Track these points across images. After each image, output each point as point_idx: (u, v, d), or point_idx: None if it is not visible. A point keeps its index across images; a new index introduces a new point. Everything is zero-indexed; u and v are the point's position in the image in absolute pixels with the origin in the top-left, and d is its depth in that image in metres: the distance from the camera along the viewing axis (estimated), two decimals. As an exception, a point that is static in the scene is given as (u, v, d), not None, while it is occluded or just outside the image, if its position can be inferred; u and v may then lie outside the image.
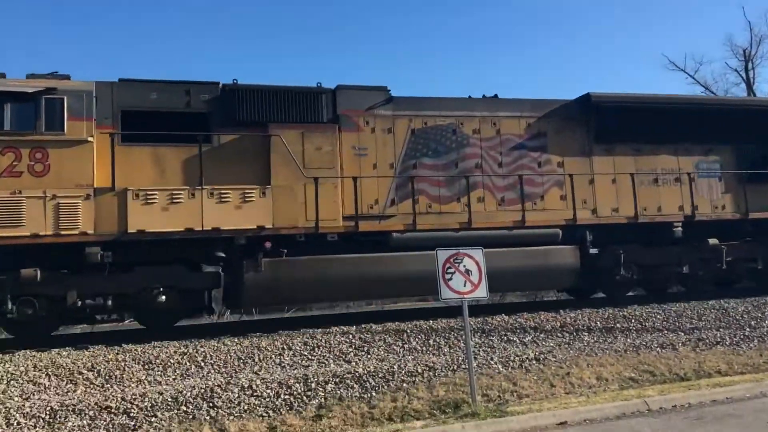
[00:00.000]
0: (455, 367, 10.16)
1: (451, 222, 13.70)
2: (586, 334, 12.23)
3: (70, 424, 8.18)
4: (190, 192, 12.13)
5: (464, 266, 9.07)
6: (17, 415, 8.23)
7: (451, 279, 9.02)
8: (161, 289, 11.97)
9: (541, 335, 12.03)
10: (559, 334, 12.12)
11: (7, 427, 8.03)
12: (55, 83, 11.79)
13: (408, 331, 11.87)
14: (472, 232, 13.63)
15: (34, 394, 9.04)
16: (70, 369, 9.77)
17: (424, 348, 11.19)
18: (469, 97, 14.84)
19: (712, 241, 15.50)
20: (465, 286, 9.04)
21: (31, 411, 8.35)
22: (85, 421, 8.24)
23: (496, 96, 15.03)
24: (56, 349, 10.75)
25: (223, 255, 12.41)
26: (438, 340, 11.50)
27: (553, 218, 14.45)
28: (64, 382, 9.44)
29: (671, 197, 15.45)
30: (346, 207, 13.19)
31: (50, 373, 9.64)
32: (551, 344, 11.58)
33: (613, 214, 14.95)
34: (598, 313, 13.32)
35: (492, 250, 12.99)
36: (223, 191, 12.30)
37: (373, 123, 13.85)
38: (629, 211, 14.98)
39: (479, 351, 10.97)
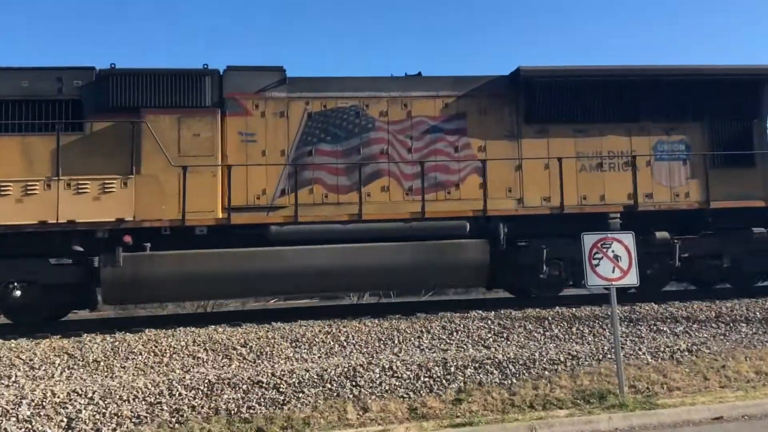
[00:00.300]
0: (600, 356, 9.83)
1: (344, 214, 12.51)
2: (743, 325, 11.43)
3: (225, 396, 8.71)
4: (46, 183, 11.54)
5: (613, 251, 8.72)
6: (179, 386, 8.86)
7: (598, 265, 8.70)
8: (16, 284, 11.52)
9: (694, 325, 11.38)
10: (713, 325, 11.41)
11: (170, 397, 8.66)
12: None
13: (549, 318, 11.61)
14: (362, 225, 12.43)
15: (193, 367, 9.70)
16: (225, 344, 10.40)
17: (566, 336, 10.91)
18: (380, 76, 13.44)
19: (661, 234, 13.18)
20: (614, 272, 8.69)
21: (191, 383, 8.96)
22: (239, 394, 8.75)
23: (419, 74, 13.53)
24: (213, 326, 11.45)
25: (81, 249, 11.73)
26: (581, 329, 11.16)
27: (463, 209, 12.83)
28: (220, 357, 10.05)
29: (619, 184, 13.34)
30: (231, 197, 12.24)
31: (207, 348, 10.30)
32: (705, 335, 10.93)
33: (544, 203, 13.12)
34: (758, 304, 12.38)
35: (381, 244, 12.29)
36: (81, 182, 11.62)
37: (264, 106, 12.76)
38: (566, 200, 13.01)
39: (626, 340, 10.55)
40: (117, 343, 10.46)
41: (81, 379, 9.33)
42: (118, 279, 11.60)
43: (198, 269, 11.78)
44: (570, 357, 9.76)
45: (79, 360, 9.89)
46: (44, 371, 9.58)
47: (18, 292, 11.58)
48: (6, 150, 11.73)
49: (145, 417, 8.35)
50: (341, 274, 12.15)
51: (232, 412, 8.47)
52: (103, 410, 8.41)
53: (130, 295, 12.25)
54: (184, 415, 8.38)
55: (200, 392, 8.77)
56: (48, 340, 10.74)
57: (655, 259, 13.21)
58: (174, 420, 8.33)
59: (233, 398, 8.68)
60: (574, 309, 12.12)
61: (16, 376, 9.42)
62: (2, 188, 11.51)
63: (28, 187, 11.56)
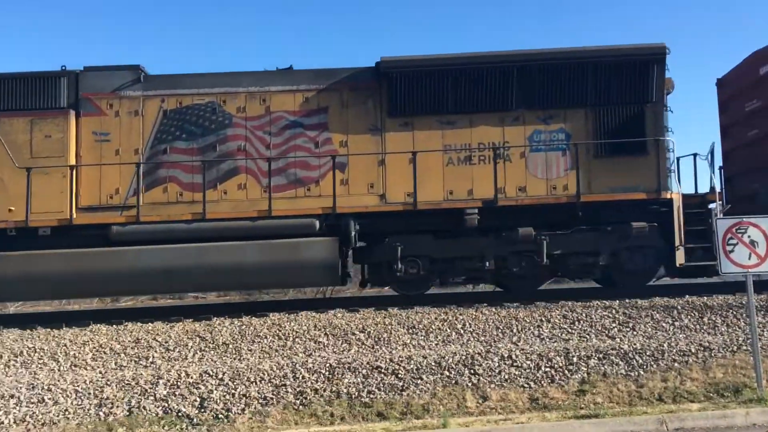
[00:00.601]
0: (734, 347, 9.26)
1: (189, 213, 12.30)
2: None
3: (346, 380, 8.90)
4: None
5: (749, 237, 8.17)
6: (302, 369, 9.13)
7: (732, 251, 8.18)
8: None
9: None
10: None
11: (294, 379, 8.95)
12: None
13: (678, 307, 11.04)
14: (205, 224, 12.14)
15: (315, 351, 9.99)
16: (344, 329, 10.62)
17: (697, 326, 10.34)
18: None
19: (524, 230, 12.26)
20: (750, 259, 8.15)
21: (313, 366, 9.22)
22: (359, 379, 8.92)
23: (290, 68, 13.08)
24: (332, 311, 11.72)
25: None
26: (713, 318, 10.55)
27: (314, 206, 12.38)
28: (340, 342, 10.28)
29: (490, 178, 12.39)
30: (83, 198, 12.31)
31: (328, 333, 10.56)
32: None
33: (408, 199, 12.40)
34: None
35: (223, 244, 11.95)
36: None
37: (119, 106, 12.67)
38: (430, 195, 12.38)
39: (763, 331, 9.87)
40: (244, 327, 10.92)
41: (212, 360, 9.83)
42: None
43: (41, 270, 11.83)
44: (701, 348, 9.25)
45: (209, 343, 10.40)
46: (178, 353, 10.15)
47: None
48: None
49: (272, 398, 8.68)
50: (184, 274, 11.98)
51: (353, 396, 8.66)
52: (233, 391, 8.82)
53: None
54: (308, 398, 8.66)
55: (322, 376, 9.02)
56: (181, 323, 11.37)
57: (523, 258, 12.43)
58: (298, 402, 8.62)
59: (353, 382, 8.86)
60: (705, 298, 11.48)
61: (153, 357, 10.04)
62: None
63: None
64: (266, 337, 10.47)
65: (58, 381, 9.31)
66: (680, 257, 12.06)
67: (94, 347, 10.40)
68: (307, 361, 9.43)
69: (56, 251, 12.00)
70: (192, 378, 9.10)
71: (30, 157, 12.38)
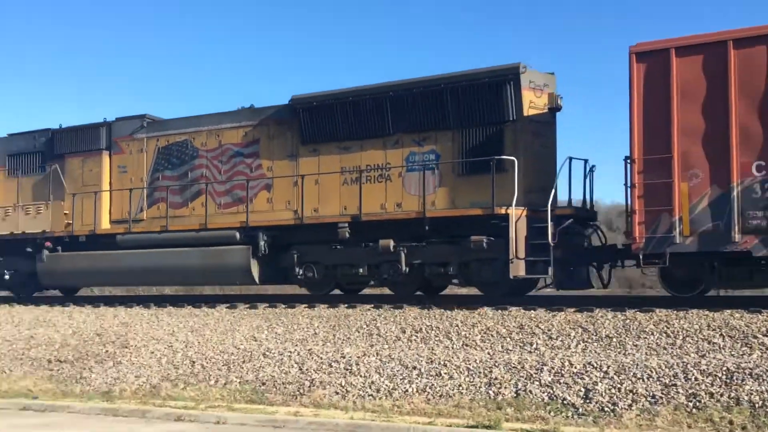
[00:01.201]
0: None
1: (180, 225, 16.12)
2: None
3: (747, 387, 8.11)
4: (11, 208, 18.46)
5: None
6: (694, 371, 8.57)
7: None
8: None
9: None
10: None
11: (685, 380, 8.48)
12: None
13: None
14: (167, 234, 16.06)
15: (708, 353, 9.25)
16: (743, 331, 9.65)
17: None
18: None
19: (384, 242, 13.64)
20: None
21: (707, 369, 8.58)
22: (763, 387, 8.00)
23: (252, 106, 15.95)
24: (729, 310, 10.64)
25: (30, 250, 17.80)
26: None
27: (236, 221, 15.42)
28: (738, 344, 9.36)
29: (374, 195, 14.17)
30: (114, 214, 17.26)
31: (723, 334, 9.69)
32: None
33: (314, 213, 14.78)
34: None
35: (176, 249, 15.76)
36: (25, 206, 18.14)
37: (132, 146, 17.19)
38: (330, 211, 14.60)
39: None
40: (628, 321, 10.61)
41: (595, 352, 9.79)
42: (43, 270, 17.51)
43: (78, 265, 17.03)
44: None
45: (592, 334, 10.34)
46: (561, 342, 10.32)
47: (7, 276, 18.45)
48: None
49: (660, 398, 8.36)
50: (154, 272, 16.22)
51: (757, 405, 7.84)
52: (618, 385, 8.71)
53: (51, 281, 18.13)
54: (702, 401, 8.17)
55: (718, 379, 8.41)
56: (563, 312, 11.47)
57: (388, 267, 13.80)
58: (690, 405, 8.19)
59: (756, 390, 8.03)
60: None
61: (537, 343, 10.37)
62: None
63: (6, 211, 18.56)
64: (652, 334, 10.05)
65: (452, 358, 10.32)
66: (515, 269, 12.51)
67: (482, 329, 11.14)
68: (700, 362, 8.87)
69: (86, 252, 17.08)
70: (576, 368, 9.21)
71: (81, 185, 17.58)
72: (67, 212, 17.47)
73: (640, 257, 11.68)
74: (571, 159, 13.19)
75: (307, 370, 10.98)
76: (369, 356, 10.87)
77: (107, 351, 13.29)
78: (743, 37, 11.26)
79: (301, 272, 14.73)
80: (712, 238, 11.21)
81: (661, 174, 11.56)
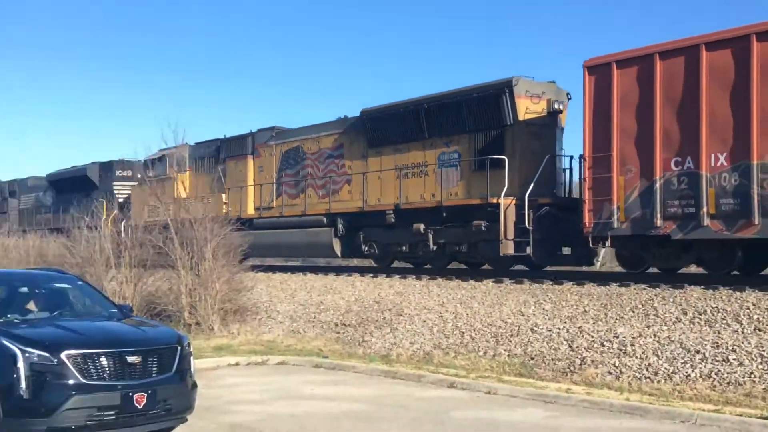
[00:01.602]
0: None
1: (292, 212, 20.64)
2: None
3: None
4: (194, 199, 21.51)
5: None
6: None
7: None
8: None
9: None
10: None
11: None
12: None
13: None
14: (282, 218, 20.82)
15: None
16: None
17: None
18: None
19: (416, 225, 16.96)
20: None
21: None
22: None
23: (345, 117, 19.71)
24: None
25: None
26: None
27: (324, 209, 19.54)
28: None
29: (415, 188, 17.45)
30: (255, 203, 22.10)
31: None
32: None
33: (377, 203, 18.24)
34: None
35: (288, 230, 20.46)
36: (200, 196, 21.73)
37: (266, 151, 21.93)
38: (389, 200, 17.97)
39: None
40: None
41: None
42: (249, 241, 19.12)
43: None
44: None
45: None
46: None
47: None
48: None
49: None
50: (275, 247, 21.31)
51: None
52: None
53: (255, 252, 20.15)
54: None
55: None
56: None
57: (422, 245, 17.12)
58: None
59: None
60: None
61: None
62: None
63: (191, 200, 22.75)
64: None
65: (742, 343, 9.71)
66: (504, 248, 15.16)
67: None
68: None
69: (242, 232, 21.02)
70: None
71: (235, 181, 22.75)
72: (226, 202, 22.77)
73: (590, 239, 13.87)
74: (553, 156, 15.70)
75: (577, 348, 10.89)
76: (645, 337, 10.57)
77: (384, 318, 14.10)
78: (666, 50, 12.96)
79: (366, 249, 18.87)
80: (642, 224, 13.14)
81: (604, 169, 13.60)
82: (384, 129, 18.30)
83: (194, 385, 7.25)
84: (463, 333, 12.59)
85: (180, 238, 16.01)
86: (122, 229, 23.39)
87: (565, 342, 11.26)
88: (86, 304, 8.26)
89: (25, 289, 8.09)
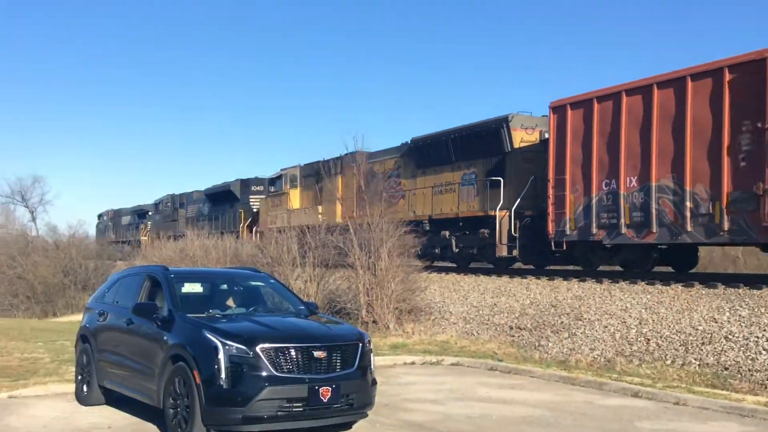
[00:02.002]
0: None
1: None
2: None
3: None
4: (301, 211, 28.71)
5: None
6: None
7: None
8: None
9: None
10: None
11: None
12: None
13: None
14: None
15: None
16: None
17: None
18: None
19: (443, 232, 21.39)
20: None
21: None
22: None
23: (406, 142, 24.23)
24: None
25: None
26: None
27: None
28: None
29: (446, 203, 21.48)
30: (343, 214, 24.88)
31: None
32: None
33: (422, 213, 22.26)
34: None
35: None
36: (303, 209, 28.95)
37: (348, 171, 25.58)
38: (427, 211, 22.19)
39: None
40: None
41: None
42: None
43: None
44: None
45: None
46: None
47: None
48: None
49: None
50: None
51: None
52: None
53: None
54: None
55: None
56: None
57: (448, 249, 21.31)
58: None
59: None
60: None
61: None
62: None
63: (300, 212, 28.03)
64: None
65: None
66: (499, 251, 19.18)
67: None
68: None
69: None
70: None
71: (328, 196, 26.95)
72: (321, 213, 27.21)
73: (552, 243, 17.38)
74: (534, 178, 18.75)
75: (778, 358, 10.09)
76: None
77: (562, 322, 13.84)
78: (600, 95, 16.41)
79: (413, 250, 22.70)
80: (585, 232, 16.63)
81: (561, 188, 17.21)
82: (426, 154, 22.68)
83: (374, 382, 7.51)
84: (649, 340, 12.08)
85: (358, 239, 16.70)
86: (254, 234, 31.63)
87: (764, 351, 10.55)
88: (277, 301, 8.84)
89: (225, 287, 8.80)
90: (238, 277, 9.14)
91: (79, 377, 9.04)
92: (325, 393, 6.80)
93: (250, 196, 36.02)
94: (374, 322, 15.55)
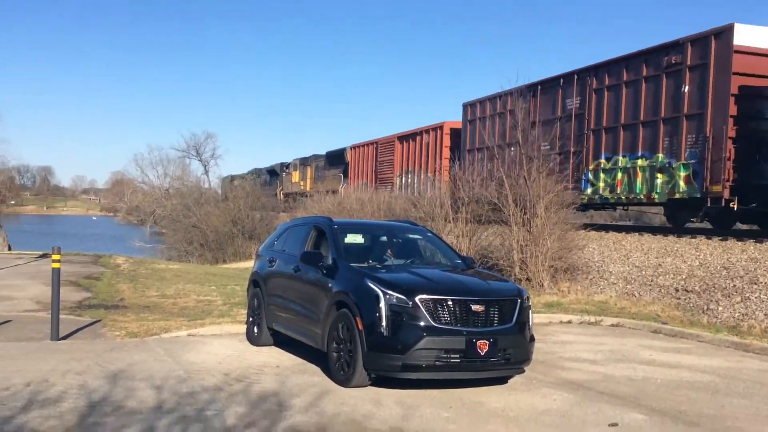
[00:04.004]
0: None
1: None
2: None
3: None
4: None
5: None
6: None
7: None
8: None
9: None
10: None
11: None
12: None
13: None
14: None
15: None
16: None
17: None
18: None
19: None
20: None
21: None
22: None
23: None
24: None
25: None
26: None
27: None
28: None
29: None
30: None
31: None
32: None
33: None
34: None
35: None
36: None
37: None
38: None
39: None
40: None
41: None
42: None
43: None
44: None
45: None
46: None
47: None
48: None
49: None
50: None
51: None
52: None
53: None
54: None
55: None
56: None
57: None
58: None
59: None
60: None
61: None
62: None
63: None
64: None
65: None
66: None
67: None
68: None
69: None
70: None
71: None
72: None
73: None
74: None
75: None
76: None
77: (734, 285, 13.12)
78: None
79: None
80: None
81: None
82: None
83: (532, 338, 7.44)
84: (839, 308, 10.97)
85: (513, 195, 16.44)
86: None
87: None
88: (434, 254, 8.95)
89: (384, 238, 9.02)
90: (397, 230, 9.32)
91: (250, 319, 9.68)
92: (483, 346, 6.83)
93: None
94: (528, 279, 15.32)
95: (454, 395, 6.94)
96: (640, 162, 17.91)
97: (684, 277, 14.20)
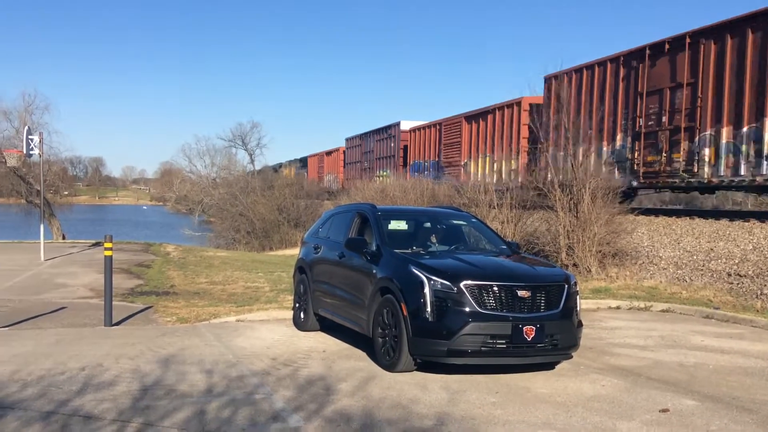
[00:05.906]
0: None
1: None
2: None
3: None
4: None
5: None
6: None
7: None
8: None
9: None
10: None
11: None
12: None
13: None
14: None
15: None
16: None
17: None
18: None
19: None
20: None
21: None
22: None
23: None
24: None
25: None
26: None
27: None
28: None
29: None
30: None
31: None
32: None
33: None
34: None
35: None
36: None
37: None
38: None
39: None
40: None
41: None
42: None
43: None
44: None
45: None
46: None
47: None
48: None
49: None
50: None
51: None
52: None
53: None
54: None
55: None
56: None
57: None
58: None
59: None
60: None
61: None
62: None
63: None
64: None
65: None
66: None
67: None
68: None
69: None
70: None
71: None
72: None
73: None
74: None
75: None
76: None
77: None
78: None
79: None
80: None
81: None
82: None
83: (580, 324, 7.35)
84: None
85: (559, 181, 16.21)
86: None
87: None
88: (479, 240, 8.90)
89: (428, 225, 8.99)
90: (441, 216, 9.28)
91: (297, 305, 9.80)
92: (529, 332, 6.78)
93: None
94: (575, 265, 15.12)
95: (500, 381, 6.92)
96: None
97: (737, 261, 13.86)
